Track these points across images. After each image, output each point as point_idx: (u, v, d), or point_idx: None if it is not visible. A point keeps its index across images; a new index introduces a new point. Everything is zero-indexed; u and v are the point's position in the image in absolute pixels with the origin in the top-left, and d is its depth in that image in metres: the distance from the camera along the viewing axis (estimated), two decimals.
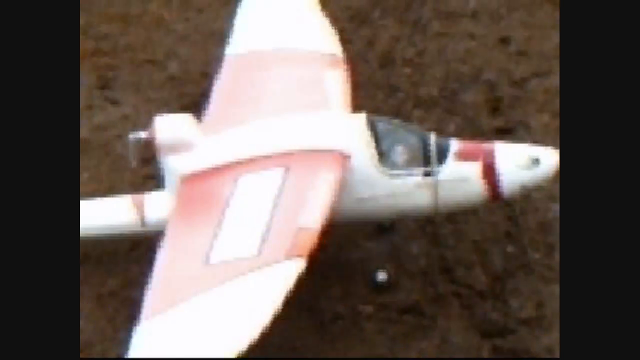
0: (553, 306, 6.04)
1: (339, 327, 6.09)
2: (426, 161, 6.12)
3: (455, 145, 6.19)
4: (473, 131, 7.06)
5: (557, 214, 6.61)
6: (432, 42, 8.02)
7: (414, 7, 8.33)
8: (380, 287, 6.36)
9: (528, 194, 6.65)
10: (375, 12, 8.37)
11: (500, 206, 6.60)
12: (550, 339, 5.85)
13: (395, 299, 6.19)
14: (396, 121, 6.48)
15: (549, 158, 6.16)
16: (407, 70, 7.82)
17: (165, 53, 8.05)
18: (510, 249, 6.43)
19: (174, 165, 6.18)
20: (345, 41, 7.60)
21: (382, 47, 8.01)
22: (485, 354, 5.84)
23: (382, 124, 6.24)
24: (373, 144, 6.07)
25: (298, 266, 5.37)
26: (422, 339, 5.94)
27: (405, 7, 8.32)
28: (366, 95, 7.33)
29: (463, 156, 6.16)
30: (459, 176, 6.12)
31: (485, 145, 6.23)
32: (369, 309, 6.20)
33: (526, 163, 6.09)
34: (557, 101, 7.43)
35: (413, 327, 6.06)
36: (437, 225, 6.52)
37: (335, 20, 7.44)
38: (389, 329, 6.04)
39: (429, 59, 7.90)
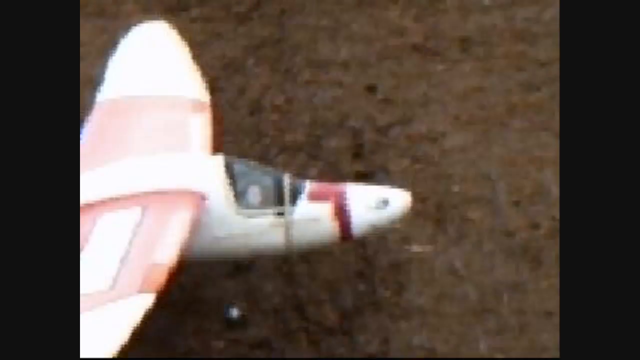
0: (398, 342, 6.25)
1: None
2: (280, 201, 6.32)
3: (308, 186, 6.40)
4: (334, 175, 7.26)
5: (409, 254, 6.86)
6: (301, 90, 8.26)
7: (287, 56, 8.58)
8: (232, 323, 6.51)
9: (382, 236, 6.87)
10: (249, 61, 8.61)
11: (354, 247, 6.82)
12: None
13: (246, 334, 6.35)
14: (253, 163, 6.67)
15: (398, 199, 6.41)
16: (275, 116, 8.04)
17: None
18: (361, 287, 6.64)
19: None
20: (217, 89, 7.85)
21: (253, 94, 8.24)
22: None
23: (239, 166, 6.44)
24: (229, 185, 6.25)
25: (148, 300, 5.46)
26: None
27: (278, 56, 8.58)
28: (234, 140, 7.53)
29: (315, 197, 6.38)
30: (311, 216, 6.33)
31: (337, 187, 6.46)
32: (220, 344, 6.34)
33: (376, 204, 6.32)
34: (417, 147, 7.70)
35: None
36: (293, 265, 6.71)
37: (209, 69, 7.65)
38: None
39: (297, 106, 8.13)
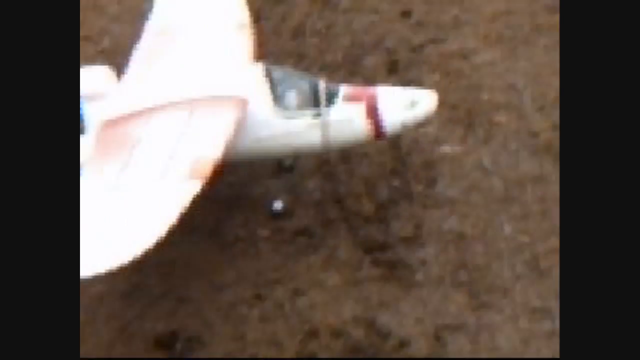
0: (430, 227, 6.75)
1: (239, 248, 6.79)
2: (317, 103, 6.88)
3: (342, 89, 6.95)
4: None
5: (441, 154, 7.37)
6: (340, 16, 8.76)
7: None
8: (277, 215, 7.08)
9: (415, 138, 7.40)
10: None
11: (389, 148, 7.35)
12: (425, 252, 6.55)
13: (290, 224, 6.89)
14: (291, 69, 7.22)
15: (426, 99, 6.94)
16: (316, 40, 8.57)
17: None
18: (395, 182, 7.15)
19: (94, 112, 6.89)
20: (261, 18, 8.36)
21: (295, 22, 8.75)
22: (365, 266, 6.53)
23: (277, 72, 7.01)
24: (269, 89, 6.82)
25: (195, 187, 6.01)
26: (311, 255, 6.62)
27: None
28: (277, 61, 8.02)
29: (349, 98, 6.92)
30: (346, 116, 6.88)
31: (369, 89, 7.00)
32: (265, 232, 6.90)
33: (405, 104, 6.85)
34: (449, 63, 8.20)
35: (304, 246, 6.76)
36: (332, 165, 7.26)
37: (253, 1, 8.16)
38: (282, 248, 6.73)
39: (336, 30, 8.64)
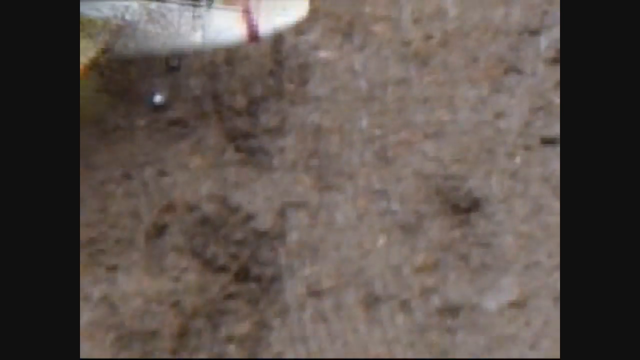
0: (293, 120, 7.27)
1: (117, 135, 7.29)
2: (195, 3, 7.41)
3: None
4: None
5: (317, 58, 7.90)
6: None
7: None
8: (156, 107, 7.61)
9: (294, 44, 7.92)
10: None
11: (270, 52, 7.86)
12: (284, 142, 7.05)
13: (166, 115, 7.39)
14: None
15: (299, 6, 7.47)
16: None
17: None
18: (270, 82, 7.66)
19: None
20: None
21: None
22: (228, 152, 7.05)
23: None
24: None
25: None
26: (181, 142, 7.13)
27: None
28: None
29: (227, 2, 7.46)
30: (223, 19, 7.41)
31: None
32: (143, 122, 7.41)
33: (278, 10, 7.38)
34: None
35: (176, 134, 7.28)
36: (216, 66, 7.77)
37: None
38: (156, 135, 7.23)
39: None
